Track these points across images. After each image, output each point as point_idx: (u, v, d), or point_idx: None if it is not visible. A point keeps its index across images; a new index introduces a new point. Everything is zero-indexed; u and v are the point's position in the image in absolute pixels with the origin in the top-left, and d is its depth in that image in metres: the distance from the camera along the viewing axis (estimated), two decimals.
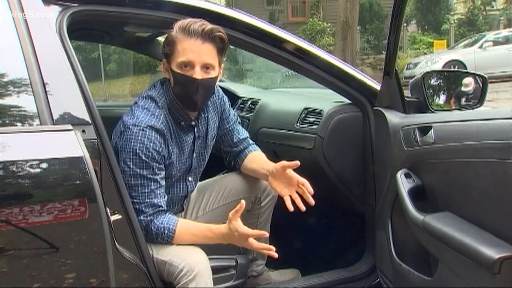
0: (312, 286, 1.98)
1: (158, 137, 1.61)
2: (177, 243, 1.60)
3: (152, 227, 1.58)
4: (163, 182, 1.65)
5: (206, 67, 1.61)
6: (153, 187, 1.60)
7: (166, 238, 1.59)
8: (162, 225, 1.58)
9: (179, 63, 1.60)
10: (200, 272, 1.53)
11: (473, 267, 1.32)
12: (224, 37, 1.63)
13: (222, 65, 1.71)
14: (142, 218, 1.56)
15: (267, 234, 1.55)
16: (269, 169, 1.79)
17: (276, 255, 1.55)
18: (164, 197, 1.65)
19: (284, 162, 1.74)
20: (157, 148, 1.60)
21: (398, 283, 1.79)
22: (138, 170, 1.57)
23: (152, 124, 1.60)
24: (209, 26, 1.59)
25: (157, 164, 1.61)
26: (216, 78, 1.67)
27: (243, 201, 1.50)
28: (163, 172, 1.65)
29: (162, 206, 1.61)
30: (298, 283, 2.01)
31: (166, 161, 1.67)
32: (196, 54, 1.58)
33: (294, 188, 1.73)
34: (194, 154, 1.80)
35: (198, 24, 1.59)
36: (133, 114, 1.63)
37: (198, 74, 1.59)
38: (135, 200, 1.55)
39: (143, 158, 1.57)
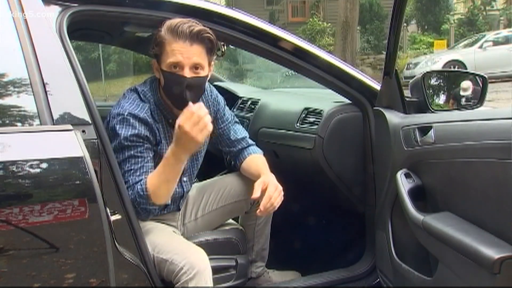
0: (312, 286, 1.98)
1: (142, 124, 1.64)
2: (154, 193, 1.56)
3: (131, 196, 1.56)
4: (150, 164, 1.64)
5: (195, 67, 1.63)
6: (138, 166, 1.61)
7: (141, 192, 1.56)
8: (135, 190, 1.56)
9: (169, 64, 1.62)
10: (201, 270, 1.53)
11: (473, 267, 1.32)
12: (213, 38, 1.64)
13: (213, 62, 1.73)
14: None
15: (202, 106, 1.52)
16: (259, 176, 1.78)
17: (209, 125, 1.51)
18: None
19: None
20: (141, 134, 1.63)
21: (398, 283, 1.79)
22: (123, 156, 1.60)
23: (135, 112, 1.64)
24: (197, 27, 1.61)
25: (142, 148, 1.63)
26: (206, 77, 1.68)
27: (190, 103, 1.51)
28: (151, 153, 1.66)
29: (143, 181, 1.60)
30: (298, 283, 2.01)
31: (154, 147, 1.68)
32: (184, 55, 1.60)
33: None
34: None
35: (186, 25, 1.60)
36: (118, 104, 1.68)
37: (187, 73, 1.62)
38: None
39: (127, 144, 1.60)
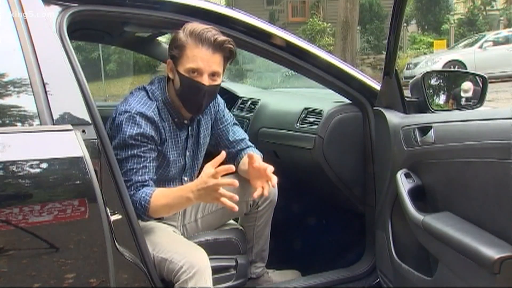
0: (312, 286, 1.98)
1: (148, 123, 1.64)
2: (153, 209, 1.57)
3: (133, 196, 1.56)
4: (152, 164, 1.65)
5: (212, 74, 1.65)
6: (141, 165, 1.62)
7: (143, 202, 1.56)
8: (139, 196, 1.57)
9: (188, 69, 1.63)
10: (201, 269, 1.53)
11: (473, 267, 1.32)
12: (233, 49, 1.67)
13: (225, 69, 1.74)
14: None
15: (236, 184, 1.47)
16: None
17: (235, 207, 1.48)
18: (152, 175, 1.65)
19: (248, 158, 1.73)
20: (146, 134, 1.63)
21: (398, 283, 1.79)
22: (126, 154, 1.61)
23: (143, 111, 1.64)
24: (221, 37, 1.63)
25: (146, 148, 1.63)
26: (220, 84, 1.72)
27: (223, 152, 1.48)
28: (154, 153, 1.67)
29: (146, 181, 1.62)
30: (298, 283, 2.01)
31: (158, 146, 1.69)
32: (205, 63, 1.62)
33: (264, 178, 1.69)
34: (187, 153, 1.81)
35: (211, 33, 1.61)
36: (125, 101, 1.68)
37: (206, 81, 1.64)
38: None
39: (132, 142, 1.61)
